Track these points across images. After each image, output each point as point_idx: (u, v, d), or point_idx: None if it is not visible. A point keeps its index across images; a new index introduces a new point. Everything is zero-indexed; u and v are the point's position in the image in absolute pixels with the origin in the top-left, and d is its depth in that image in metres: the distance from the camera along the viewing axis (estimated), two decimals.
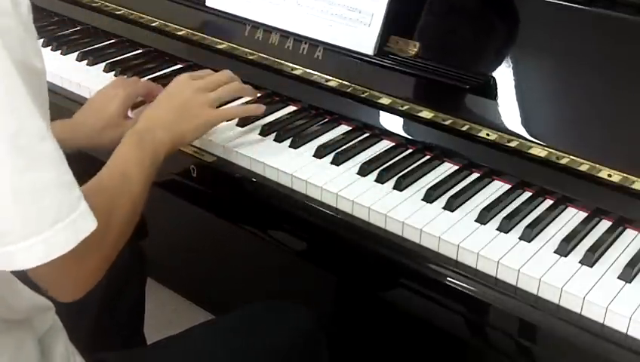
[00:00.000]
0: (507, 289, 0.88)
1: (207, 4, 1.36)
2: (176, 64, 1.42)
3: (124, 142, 0.94)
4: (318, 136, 1.16)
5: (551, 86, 1.07)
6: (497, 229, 0.95)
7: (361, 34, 1.18)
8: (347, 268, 1.08)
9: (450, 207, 0.98)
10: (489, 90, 1.07)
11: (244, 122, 1.18)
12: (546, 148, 1.02)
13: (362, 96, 1.18)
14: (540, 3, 1.06)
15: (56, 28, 1.60)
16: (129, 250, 1.23)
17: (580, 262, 0.89)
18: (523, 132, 1.04)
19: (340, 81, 1.21)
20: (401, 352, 1.39)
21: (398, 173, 1.05)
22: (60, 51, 1.47)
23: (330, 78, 1.22)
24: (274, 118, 1.21)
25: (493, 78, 1.08)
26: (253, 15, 1.31)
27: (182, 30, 1.43)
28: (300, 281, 1.49)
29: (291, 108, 1.25)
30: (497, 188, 1.04)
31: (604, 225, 0.96)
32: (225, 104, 1.14)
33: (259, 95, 1.29)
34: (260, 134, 1.16)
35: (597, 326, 0.83)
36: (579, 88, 1.03)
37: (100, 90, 1.18)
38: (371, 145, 1.14)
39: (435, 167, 1.09)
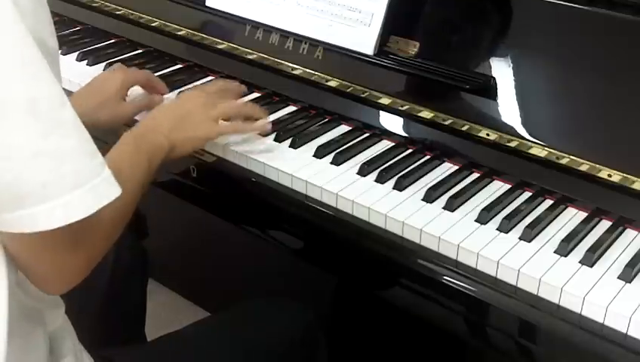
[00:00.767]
0: (507, 289, 0.88)
1: (207, 4, 1.36)
2: (176, 64, 1.42)
3: (121, 141, 0.94)
4: (318, 136, 1.16)
5: (551, 86, 1.07)
6: (497, 229, 0.95)
7: (361, 34, 1.18)
8: (347, 268, 1.08)
9: (450, 207, 0.98)
10: (489, 90, 1.07)
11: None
12: (546, 148, 1.02)
13: (362, 96, 1.18)
14: (540, 3, 1.06)
15: (56, 28, 1.58)
16: (131, 250, 1.23)
17: (580, 262, 0.89)
18: (523, 132, 1.04)
19: (340, 81, 1.21)
20: (400, 352, 1.39)
21: (398, 173, 1.05)
22: (60, 51, 1.47)
23: (330, 78, 1.22)
24: (274, 118, 1.21)
25: (493, 78, 1.08)
26: (253, 15, 1.31)
27: (182, 30, 1.43)
28: (300, 281, 1.49)
29: (291, 108, 1.25)
30: (497, 188, 1.04)
31: (604, 225, 0.96)
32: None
33: (259, 95, 1.29)
34: (259, 134, 1.16)
35: (597, 326, 0.83)
36: (579, 88, 1.03)
37: (100, 73, 1.21)
38: (371, 145, 1.14)
39: (435, 167, 1.09)
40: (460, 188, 1.03)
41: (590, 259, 0.89)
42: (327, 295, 1.49)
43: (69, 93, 1.34)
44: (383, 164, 1.08)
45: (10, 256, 0.72)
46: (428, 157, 1.11)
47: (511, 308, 0.88)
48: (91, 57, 1.43)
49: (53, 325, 0.86)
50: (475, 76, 1.09)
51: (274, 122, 1.19)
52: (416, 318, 1.02)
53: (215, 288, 1.79)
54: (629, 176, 0.96)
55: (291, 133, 1.16)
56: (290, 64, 1.27)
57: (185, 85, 1.32)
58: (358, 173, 1.06)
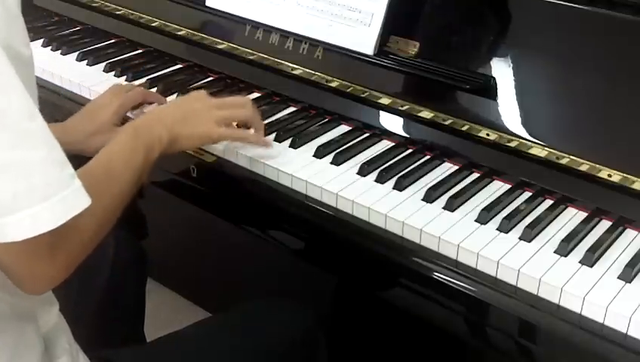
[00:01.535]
0: (507, 289, 0.88)
1: (207, 4, 1.36)
2: (176, 64, 1.42)
3: (120, 130, 0.94)
4: (318, 136, 1.16)
5: (551, 86, 1.07)
6: (497, 229, 0.95)
7: (361, 34, 1.18)
8: (347, 268, 1.08)
9: (450, 207, 0.98)
10: (489, 90, 1.07)
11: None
12: (546, 148, 1.02)
13: (362, 96, 1.18)
14: (540, 3, 1.06)
15: (56, 28, 1.60)
16: (129, 250, 1.23)
17: (580, 262, 0.89)
18: (523, 132, 1.04)
19: (340, 81, 1.21)
20: (400, 352, 1.39)
21: (398, 173, 1.05)
22: (60, 51, 1.47)
23: (330, 78, 1.22)
24: (274, 118, 1.21)
25: (493, 78, 1.08)
26: (253, 15, 1.31)
27: (182, 30, 1.43)
28: (300, 281, 1.49)
29: (291, 109, 1.25)
30: (497, 188, 1.04)
31: (604, 225, 0.96)
32: None
33: (259, 95, 1.29)
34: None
35: (597, 326, 0.83)
36: (579, 88, 1.03)
37: (97, 96, 1.20)
38: (371, 145, 1.14)
39: (435, 167, 1.09)
40: (460, 188, 1.03)
41: (590, 259, 0.89)
42: (327, 295, 1.49)
43: (69, 93, 1.35)
44: (383, 164, 1.08)
45: None
46: (428, 157, 1.11)
47: (511, 308, 0.88)
48: (91, 57, 1.43)
49: (46, 324, 0.86)
50: (475, 76, 1.09)
51: (274, 122, 1.19)
52: (416, 318, 1.02)
53: (215, 288, 1.78)
54: (629, 176, 0.96)
55: (291, 133, 1.16)
56: (290, 64, 1.27)
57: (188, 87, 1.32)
58: (358, 173, 1.06)
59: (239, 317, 1.08)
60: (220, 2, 1.35)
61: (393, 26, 1.17)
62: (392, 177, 1.05)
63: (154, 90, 1.29)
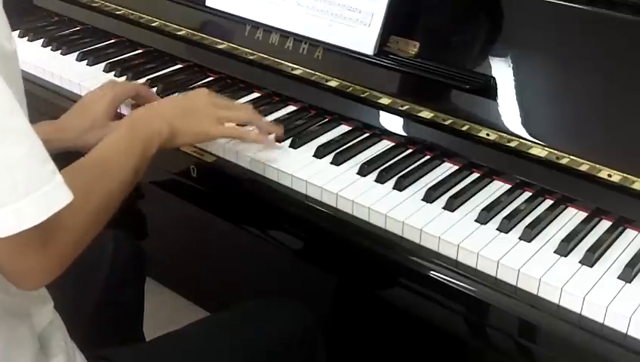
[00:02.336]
0: (507, 289, 0.88)
1: (207, 4, 1.36)
2: (176, 64, 1.42)
3: (117, 124, 0.94)
4: (318, 136, 1.16)
5: (551, 86, 1.07)
6: (497, 229, 0.95)
7: (361, 34, 1.18)
8: (347, 268, 1.08)
9: (450, 207, 0.98)
10: (489, 90, 1.07)
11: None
12: (546, 148, 1.02)
13: (362, 96, 1.18)
14: (540, 3, 1.06)
15: (56, 28, 1.60)
16: (128, 249, 1.23)
17: (580, 262, 0.89)
18: (523, 132, 1.04)
19: (340, 81, 1.21)
20: (400, 352, 1.39)
21: (398, 173, 1.05)
22: (60, 51, 1.47)
23: (330, 78, 1.22)
24: (274, 118, 1.21)
25: (493, 78, 1.08)
26: (253, 15, 1.31)
27: (182, 30, 1.43)
28: (300, 281, 1.49)
29: (291, 108, 1.25)
30: (497, 188, 1.04)
31: (604, 225, 0.96)
32: None
33: (259, 95, 1.29)
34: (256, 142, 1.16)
35: (597, 326, 0.83)
36: (579, 88, 1.03)
37: (89, 92, 1.19)
38: (371, 145, 1.14)
39: (435, 167, 1.09)
40: (460, 188, 1.03)
41: (590, 259, 0.89)
42: (327, 295, 1.49)
43: (69, 93, 1.35)
44: (383, 164, 1.08)
45: None
46: (428, 157, 1.11)
47: (511, 308, 0.88)
48: (91, 57, 1.43)
49: (41, 322, 0.86)
50: (475, 76, 1.09)
51: (274, 122, 1.19)
52: (416, 318, 1.02)
53: (215, 288, 1.78)
54: (629, 176, 0.96)
55: (291, 133, 1.16)
56: (290, 64, 1.27)
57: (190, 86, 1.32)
58: (358, 173, 1.06)
59: (238, 317, 1.08)
60: (220, 2, 1.35)
61: (393, 26, 1.17)
62: (392, 177, 1.05)
63: (154, 90, 1.29)
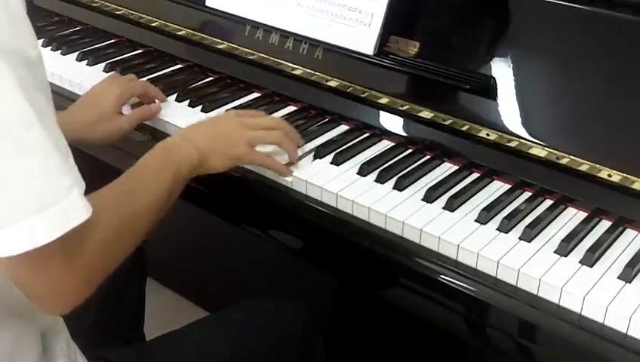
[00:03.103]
0: (507, 289, 0.88)
1: (207, 4, 1.36)
2: (176, 64, 1.42)
3: (149, 152, 0.93)
4: (318, 136, 1.16)
5: (551, 86, 1.07)
6: (497, 229, 0.95)
7: (361, 34, 1.18)
8: (346, 268, 1.08)
9: (450, 207, 0.98)
10: (489, 90, 1.07)
11: None
12: (546, 148, 1.02)
13: (362, 96, 1.18)
14: (540, 3, 1.06)
15: (56, 28, 1.60)
16: None
17: (580, 262, 0.89)
18: (523, 132, 1.04)
19: (340, 81, 1.21)
20: (400, 352, 1.39)
21: (398, 173, 1.05)
22: (60, 51, 1.47)
23: (330, 78, 1.22)
24: None
25: (493, 78, 1.07)
26: (253, 15, 1.31)
27: (182, 30, 1.43)
28: (300, 281, 1.49)
29: (291, 108, 1.25)
30: (497, 188, 1.04)
31: (604, 225, 0.96)
32: None
33: (259, 95, 1.29)
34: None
35: (597, 326, 0.83)
36: (579, 88, 1.03)
37: (95, 85, 1.19)
38: (371, 145, 1.14)
39: (435, 167, 1.08)
40: (460, 188, 1.03)
41: (590, 259, 0.88)
42: (327, 295, 1.49)
43: (69, 93, 1.35)
44: (383, 164, 1.08)
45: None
46: (428, 157, 1.11)
47: (511, 308, 0.88)
48: (91, 57, 1.43)
49: (45, 324, 0.86)
50: (475, 76, 1.09)
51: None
52: (416, 318, 1.02)
53: (215, 288, 1.78)
54: (629, 176, 0.96)
55: None
56: (290, 64, 1.27)
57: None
58: (358, 173, 1.06)
59: (238, 316, 1.08)
60: (220, 2, 1.35)
61: (393, 26, 1.17)
62: (392, 177, 1.05)
63: None
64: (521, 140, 1.04)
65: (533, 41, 1.07)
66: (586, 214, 0.98)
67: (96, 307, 1.16)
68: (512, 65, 1.07)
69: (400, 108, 1.15)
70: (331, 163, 1.09)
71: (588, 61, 1.02)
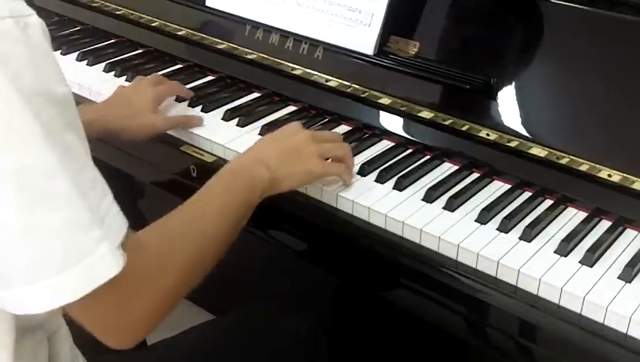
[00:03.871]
0: (507, 289, 0.88)
1: (207, 4, 1.36)
2: (176, 64, 1.42)
3: (215, 176, 0.88)
4: None
5: (551, 86, 1.07)
6: (497, 229, 0.95)
7: (361, 34, 1.18)
8: (347, 268, 1.08)
9: (450, 207, 0.98)
10: (489, 90, 1.07)
11: (244, 122, 1.18)
12: (546, 148, 1.02)
13: (362, 96, 1.18)
14: (540, 3, 1.06)
15: (56, 28, 1.60)
16: None
17: (580, 262, 0.89)
18: (523, 132, 1.04)
19: (340, 81, 1.21)
20: (400, 352, 1.39)
21: (398, 173, 1.05)
22: (60, 51, 1.47)
23: (330, 78, 1.22)
24: (274, 118, 1.21)
25: (493, 78, 1.07)
26: (253, 15, 1.31)
27: (182, 30, 1.43)
28: (300, 281, 1.49)
29: (291, 108, 1.25)
30: (497, 188, 1.04)
31: (604, 225, 0.96)
32: None
33: (259, 95, 1.29)
34: (259, 134, 1.16)
35: (597, 326, 0.83)
36: (579, 88, 1.03)
37: (127, 86, 1.22)
38: (371, 145, 1.14)
39: (435, 167, 1.08)
40: (460, 188, 1.03)
41: (590, 259, 0.88)
42: (327, 295, 1.49)
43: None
44: (383, 164, 1.08)
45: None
46: (428, 157, 1.11)
47: (511, 308, 0.88)
48: (91, 57, 1.43)
49: (51, 329, 0.85)
50: (475, 76, 1.09)
51: (274, 122, 1.19)
52: (416, 318, 1.02)
53: (215, 288, 1.78)
54: (629, 176, 0.96)
55: None
56: (290, 64, 1.27)
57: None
58: (358, 173, 1.06)
59: (240, 320, 1.08)
60: (220, 2, 1.35)
61: (393, 26, 1.17)
62: (392, 177, 1.05)
63: None
64: (521, 140, 1.04)
65: (534, 41, 1.07)
66: (586, 214, 0.98)
67: None
68: (512, 65, 1.07)
69: (400, 108, 1.15)
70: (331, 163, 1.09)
71: (588, 61, 1.02)
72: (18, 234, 0.60)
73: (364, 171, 1.06)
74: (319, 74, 1.23)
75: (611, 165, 0.97)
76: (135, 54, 1.47)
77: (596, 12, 1.02)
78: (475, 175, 1.06)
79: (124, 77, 1.36)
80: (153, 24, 1.47)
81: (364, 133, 1.16)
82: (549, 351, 0.88)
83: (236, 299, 1.12)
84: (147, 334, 0.74)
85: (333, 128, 1.18)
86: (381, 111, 1.17)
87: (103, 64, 1.41)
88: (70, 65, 1.43)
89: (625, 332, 0.81)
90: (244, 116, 1.20)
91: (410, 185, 1.04)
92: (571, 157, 1.00)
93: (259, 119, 1.20)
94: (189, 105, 1.25)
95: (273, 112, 1.23)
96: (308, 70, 1.24)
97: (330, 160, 1.02)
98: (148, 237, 0.72)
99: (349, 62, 1.20)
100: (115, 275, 0.64)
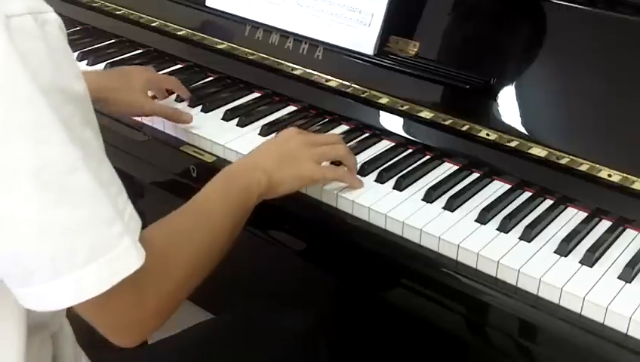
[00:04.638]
0: (507, 289, 0.88)
1: (207, 4, 1.36)
2: (176, 64, 1.42)
3: (214, 179, 0.90)
4: None
5: (551, 86, 1.07)
6: (497, 229, 0.95)
7: (361, 34, 1.18)
8: (347, 268, 1.08)
9: (450, 207, 0.98)
10: (489, 90, 1.07)
11: (244, 122, 1.18)
12: (546, 148, 1.02)
13: (362, 96, 1.18)
14: (540, 3, 1.06)
15: None
16: None
17: (580, 262, 0.89)
18: (523, 132, 1.04)
19: (340, 81, 1.21)
20: (401, 352, 1.39)
21: (398, 173, 1.05)
22: None
23: (330, 78, 1.22)
24: (274, 118, 1.21)
25: (493, 78, 1.07)
26: (253, 15, 1.31)
27: (182, 30, 1.43)
28: (301, 281, 1.49)
29: (291, 108, 1.25)
30: (497, 188, 1.04)
31: (604, 225, 0.96)
32: None
33: (259, 95, 1.29)
34: (259, 134, 1.16)
35: (597, 326, 0.83)
36: (579, 88, 1.03)
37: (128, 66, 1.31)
38: (371, 145, 1.14)
39: (435, 167, 1.09)
40: (460, 188, 1.03)
41: (590, 259, 0.88)
42: (327, 295, 1.49)
43: None
44: (383, 164, 1.08)
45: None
46: (428, 157, 1.11)
47: (511, 308, 0.88)
48: (91, 57, 1.43)
49: (54, 328, 0.86)
50: (475, 76, 1.09)
51: (274, 122, 1.19)
52: (417, 318, 1.02)
53: (215, 288, 1.78)
54: (629, 176, 0.96)
55: None
56: (290, 64, 1.27)
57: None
58: (358, 173, 1.06)
59: (240, 319, 1.08)
60: (220, 2, 1.35)
61: (393, 26, 1.17)
62: (392, 177, 1.05)
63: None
64: (521, 140, 1.04)
65: (533, 41, 1.07)
66: (586, 214, 0.98)
67: None
68: (511, 65, 1.07)
69: (400, 108, 1.15)
70: (331, 163, 1.09)
71: (588, 61, 1.02)
72: (42, 229, 0.60)
73: (364, 171, 1.06)
74: (319, 74, 1.23)
75: (611, 165, 0.97)
76: (135, 54, 1.47)
77: (596, 12, 1.02)
78: (475, 175, 1.06)
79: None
80: (153, 24, 1.47)
81: (364, 133, 1.16)
82: (549, 351, 0.88)
83: (236, 299, 1.12)
84: (153, 331, 0.75)
85: (333, 128, 1.18)
86: (381, 111, 1.17)
87: (103, 64, 1.41)
88: None
89: (625, 332, 0.81)
90: (244, 116, 1.20)
91: (410, 185, 1.04)
92: (571, 157, 1.00)
93: (259, 119, 1.20)
94: (189, 105, 1.25)
95: (273, 112, 1.23)
96: (308, 70, 1.25)
97: (329, 163, 1.02)
98: (154, 235, 0.73)
99: (349, 62, 1.20)
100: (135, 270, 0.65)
